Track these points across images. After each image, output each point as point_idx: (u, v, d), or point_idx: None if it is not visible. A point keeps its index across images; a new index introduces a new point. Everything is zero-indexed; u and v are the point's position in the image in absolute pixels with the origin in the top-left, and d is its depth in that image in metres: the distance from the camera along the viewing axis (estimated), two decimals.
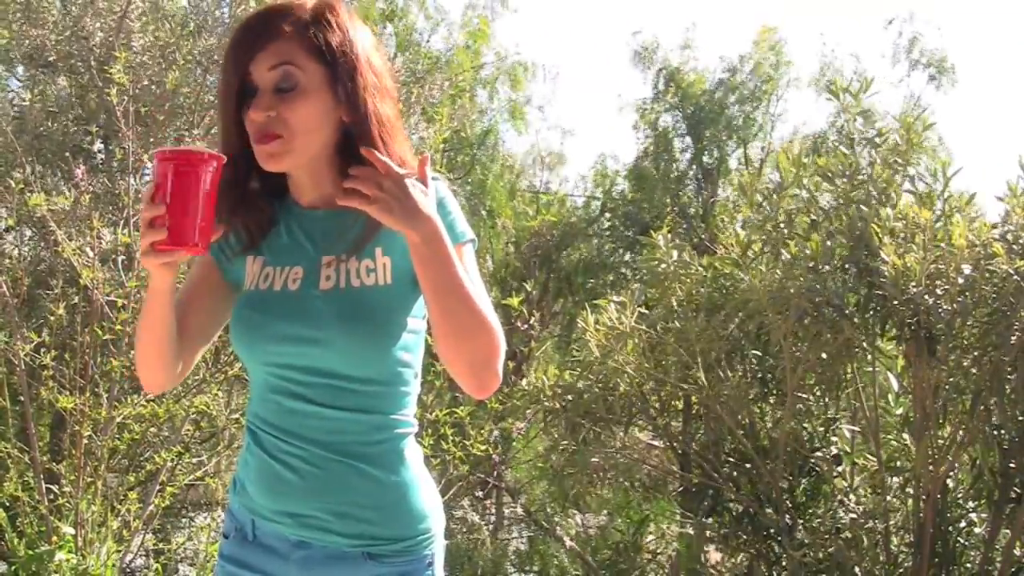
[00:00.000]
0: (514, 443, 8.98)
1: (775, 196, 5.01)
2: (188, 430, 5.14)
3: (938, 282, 4.42)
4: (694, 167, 13.44)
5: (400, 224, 1.54)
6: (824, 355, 4.86)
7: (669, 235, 5.38)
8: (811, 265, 4.62)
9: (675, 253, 5.22)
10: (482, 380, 1.62)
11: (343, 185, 1.55)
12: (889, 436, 5.10)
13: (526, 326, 7.15)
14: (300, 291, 1.68)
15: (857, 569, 4.72)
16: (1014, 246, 4.39)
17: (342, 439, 1.65)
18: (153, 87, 6.66)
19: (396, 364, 1.67)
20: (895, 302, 4.42)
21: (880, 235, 4.48)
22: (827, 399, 5.21)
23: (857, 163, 4.82)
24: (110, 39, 6.70)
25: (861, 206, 4.71)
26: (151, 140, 6.79)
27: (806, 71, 13.76)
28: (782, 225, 4.94)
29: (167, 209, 1.52)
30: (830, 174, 4.86)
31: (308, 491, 1.65)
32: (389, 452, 1.68)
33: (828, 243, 4.68)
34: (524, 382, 5.54)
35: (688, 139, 13.48)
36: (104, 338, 4.68)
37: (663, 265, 5.21)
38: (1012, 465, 4.59)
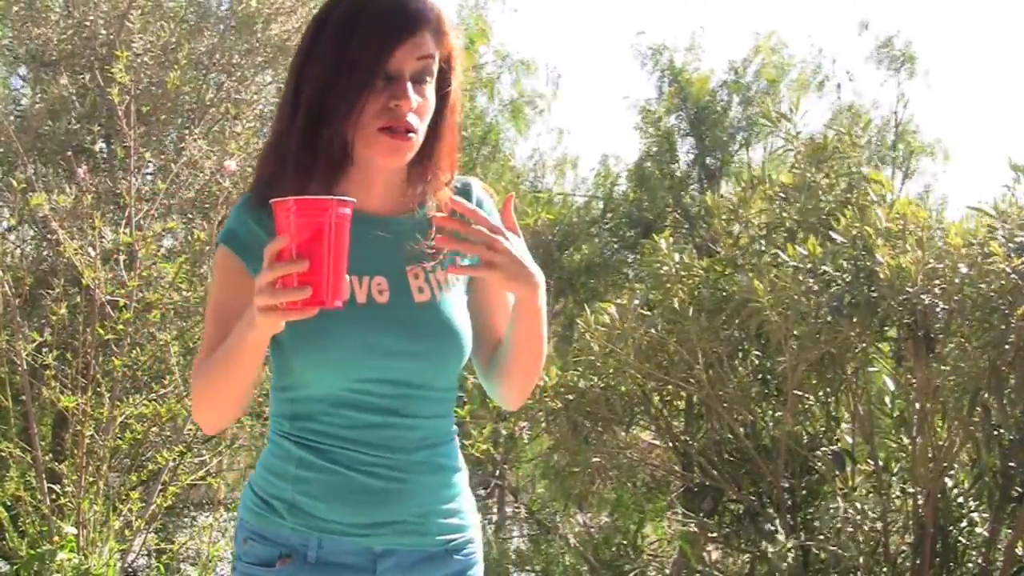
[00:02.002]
0: (515, 442, 9.00)
1: (740, 211, 5.11)
2: (190, 429, 5.14)
3: (936, 281, 4.42)
4: (697, 168, 13.44)
5: (520, 287, 1.54)
6: (824, 355, 4.86)
7: (671, 237, 5.40)
8: (809, 267, 4.62)
9: (677, 255, 5.23)
10: (525, 398, 1.77)
11: (437, 247, 1.52)
12: (888, 436, 5.11)
13: None
14: (393, 303, 1.63)
15: (858, 569, 4.72)
16: (1010, 244, 4.39)
17: (424, 444, 1.65)
18: (153, 87, 6.68)
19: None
20: (892, 303, 4.42)
21: (874, 237, 4.50)
22: (828, 399, 5.21)
23: (809, 177, 4.93)
24: (112, 38, 6.72)
25: (856, 208, 4.74)
26: (153, 139, 6.81)
27: (804, 72, 13.68)
28: (760, 238, 5.02)
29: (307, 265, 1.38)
30: (793, 190, 4.97)
31: (397, 498, 1.63)
32: (454, 450, 1.71)
33: (826, 244, 4.68)
34: None
35: (691, 140, 13.47)
36: (106, 337, 4.70)
37: (665, 267, 5.22)
38: (1012, 464, 4.59)
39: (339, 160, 1.61)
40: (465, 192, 1.72)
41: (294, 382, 1.64)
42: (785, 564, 4.73)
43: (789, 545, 4.65)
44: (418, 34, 1.57)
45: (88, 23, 6.88)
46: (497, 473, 8.01)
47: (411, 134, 1.58)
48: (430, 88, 1.61)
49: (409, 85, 1.57)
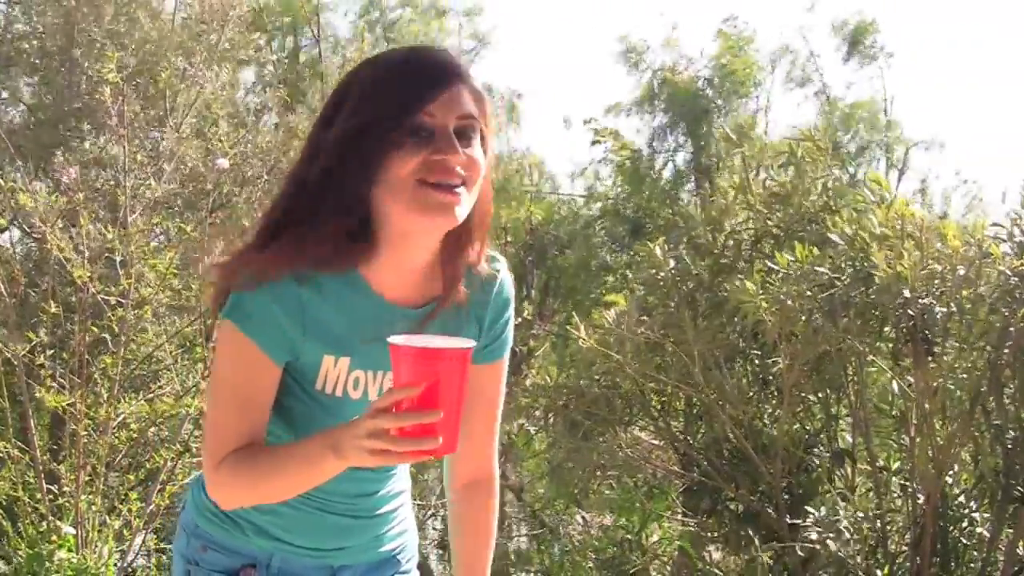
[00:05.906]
0: (515, 441, 8.98)
1: (723, 221, 5.14)
2: (188, 429, 5.11)
3: (936, 282, 4.42)
4: (692, 166, 13.39)
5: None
6: (822, 356, 4.86)
7: (664, 242, 5.41)
8: (806, 270, 4.61)
9: (672, 260, 5.23)
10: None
11: None
12: (889, 436, 5.10)
13: (518, 319, 7.16)
14: None
15: (857, 569, 4.72)
16: (1009, 244, 4.40)
17: (388, 485, 1.73)
18: (139, 83, 6.65)
19: None
20: (889, 305, 4.42)
21: (868, 240, 4.49)
22: (827, 399, 5.21)
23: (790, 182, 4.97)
24: (99, 40, 6.69)
25: (853, 210, 4.75)
26: (139, 137, 6.78)
27: (781, 68, 13.59)
28: (749, 246, 5.05)
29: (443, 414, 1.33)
30: (774, 195, 5.00)
31: (359, 531, 1.71)
32: (404, 476, 1.79)
33: (821, 248, 4.68)
34: (527, 382, 5.55)
35: (682, 138, 13.42)
36: (102, 335, 4.66)
37: (661, 273, 5.23)
38: (1013, 465, 4.59)
39: (352, 228, 1.47)
40: (492, 276, 1.63)
41: (281, 436, 1.59)
42: (785, 564, 4.72)
43: (789, 545, 4.65)
44: (453, 88, 1.45)
45: (76, 19, 6.83)
46: (499, 472, 7.99)
47: (460, 188, 1.45)
48: (477, 149, 1.47)
49: (453, 139, 1.44)
